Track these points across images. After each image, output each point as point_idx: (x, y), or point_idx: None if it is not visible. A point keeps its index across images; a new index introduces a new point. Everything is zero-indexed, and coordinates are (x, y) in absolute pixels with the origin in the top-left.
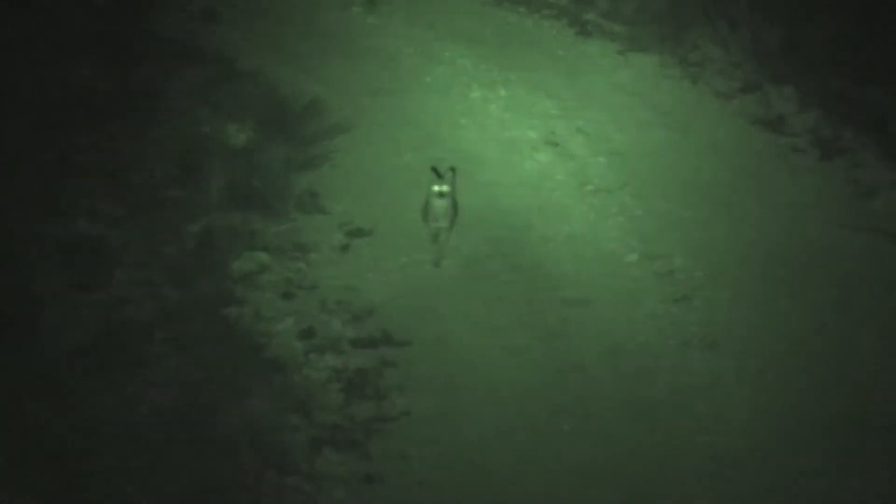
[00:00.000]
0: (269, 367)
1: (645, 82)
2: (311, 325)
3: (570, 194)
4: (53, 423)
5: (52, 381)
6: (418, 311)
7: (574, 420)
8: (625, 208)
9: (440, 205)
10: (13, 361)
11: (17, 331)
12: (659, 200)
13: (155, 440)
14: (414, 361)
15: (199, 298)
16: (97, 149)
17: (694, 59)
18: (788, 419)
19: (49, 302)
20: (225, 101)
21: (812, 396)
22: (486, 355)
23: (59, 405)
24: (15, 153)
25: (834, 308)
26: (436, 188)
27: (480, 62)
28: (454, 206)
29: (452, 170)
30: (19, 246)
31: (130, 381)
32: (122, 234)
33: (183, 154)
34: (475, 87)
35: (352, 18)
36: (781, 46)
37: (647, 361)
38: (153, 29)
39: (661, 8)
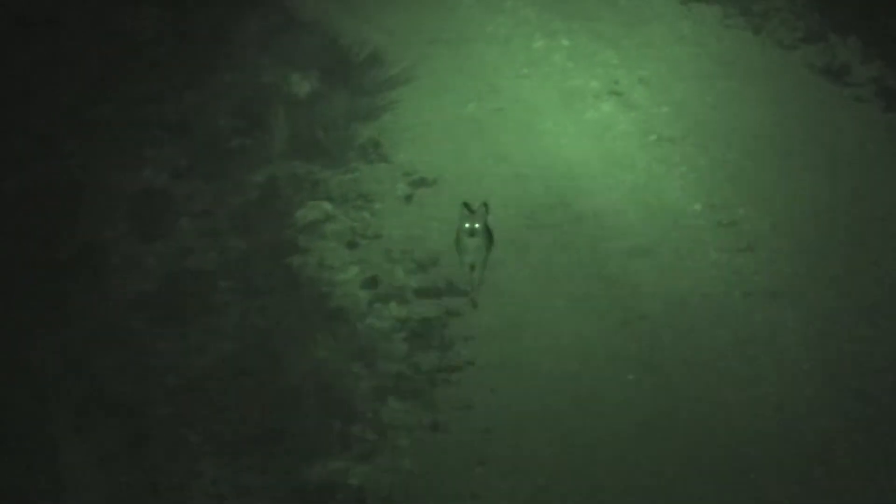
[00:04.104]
0: (333, 316)
1: (707, 33)
2: (376, 274)
3: (633, 144)
4: (117, 373)
5: (116, 330)
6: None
7: (637, 369)
8: (688, 158)
9: (471, 242)
10: (78, 310)
11: (82, 280)
12: (722, 151)
13: (218, 389)
14: (478, 311)
15: (263, 248)
16: (160, 99)
17: (757, 9)
18: (851, 369)
19: (114, 251)
20: (287, 51)
21: (875, 347)
22: (549, 304)
23: (122, 354)
24: (78, 104)
25: None
26: (466, 225)
27: (543, 12)
28: (488, 241)
29: (485, 205)
30: (85, 196)
31: (194, 330)
32: (187, 184)
33: (246, 104)
34: (537, 36)
35: None
36: None
37: (710, 311)
38: None
39: None
